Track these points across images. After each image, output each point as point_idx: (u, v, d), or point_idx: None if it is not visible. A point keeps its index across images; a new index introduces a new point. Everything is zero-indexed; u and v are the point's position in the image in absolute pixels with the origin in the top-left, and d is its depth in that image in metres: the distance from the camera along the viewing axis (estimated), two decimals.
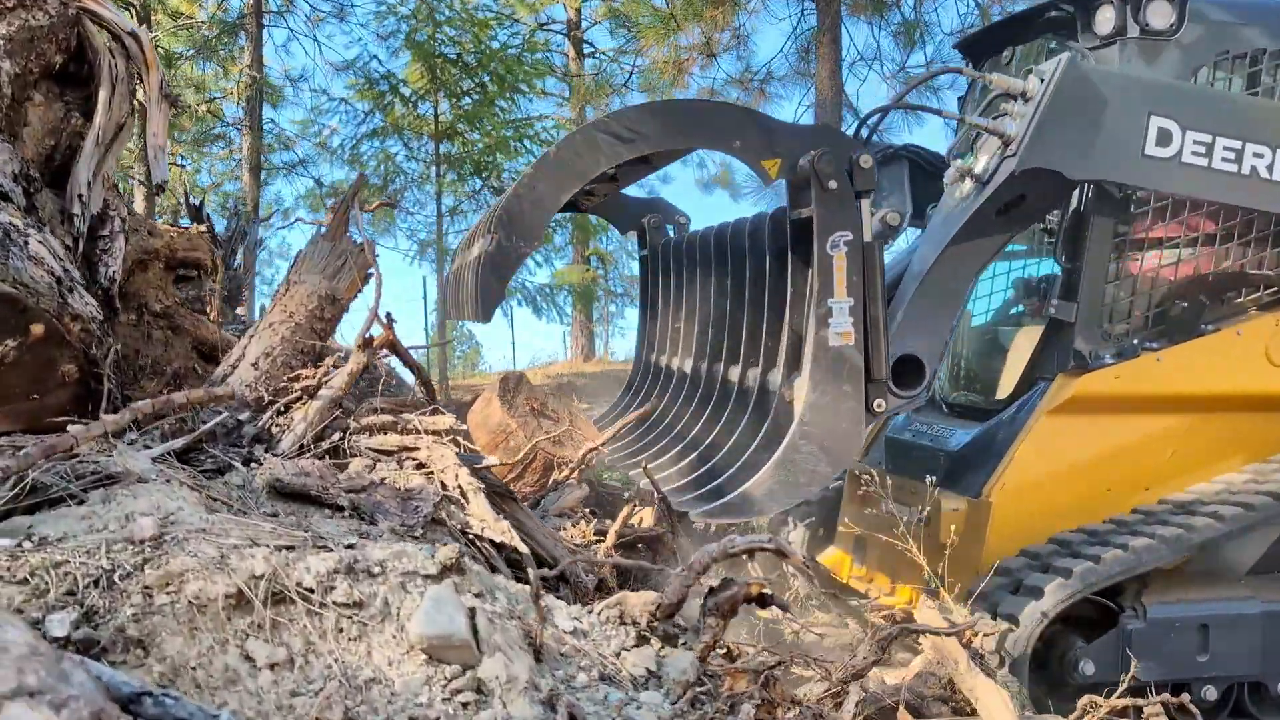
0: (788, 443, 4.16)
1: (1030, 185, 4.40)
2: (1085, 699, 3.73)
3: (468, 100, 18.74)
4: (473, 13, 18.72)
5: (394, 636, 2.23)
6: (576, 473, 5.05)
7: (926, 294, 4.47)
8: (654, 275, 6.33)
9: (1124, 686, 3.86)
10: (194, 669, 2.04)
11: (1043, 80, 4.29)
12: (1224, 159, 4.54)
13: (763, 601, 2.40)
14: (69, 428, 2.61)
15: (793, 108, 18.68)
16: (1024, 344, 5.69)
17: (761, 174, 4.26)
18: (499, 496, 3.82)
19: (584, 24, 22.52)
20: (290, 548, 2.39)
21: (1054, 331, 5.27)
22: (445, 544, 2.79)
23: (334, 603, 2.24)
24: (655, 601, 2.43)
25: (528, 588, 2.56)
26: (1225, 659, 4.74)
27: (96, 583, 2.16)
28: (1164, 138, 4.44)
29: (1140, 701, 3.88)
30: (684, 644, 2.45)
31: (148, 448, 3.09)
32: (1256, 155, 4.58)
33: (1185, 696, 3.74)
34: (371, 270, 3.99)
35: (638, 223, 6.51)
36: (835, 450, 4.20)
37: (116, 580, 2.17)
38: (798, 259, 4.47)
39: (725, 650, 2.48)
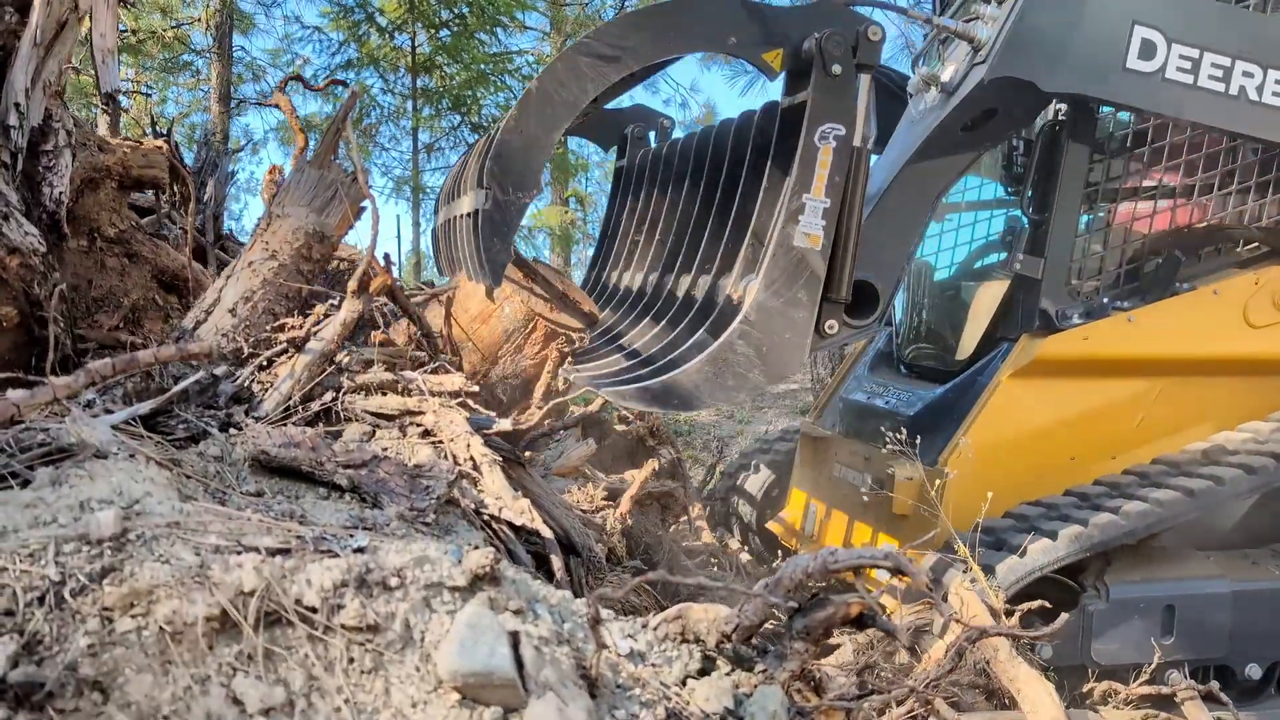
0: (724, 339, 3.72)
1: (1000, 97, 4.00)
2: (1105, 685, 3.46)
3: (446, 32, 17.98)
4: None
5: (417, 669, 1.78)
6: (584, 337, 4.57)
7: (884, 216, 4.04)
8: (624, 189, 5.80)
9: (1147, 675, 3.53)
10: (166, 719, 1.58)
11: None
12: (1211, 76, 4.16)
13: (862, 623, 1.97)
14: (8, 393, 2.12)
15: None
16: (987, 301, 5.30)
17: (764, 69, 3.79)
18: (507, 462, 3.38)
19: None
20: (285, 551, 1.93)
21: (1019, 288, 4.89)
22: (472, 543, 2.35)
23: (342, 626, 1.78)
24: (731, 622, 2.00)
25: (570, 597, 2.11)
26: (1191, 641, 4.42)
27: (42, 599, 1.69)
28: (1148, 50, 4.06)
29: (1161, 689, 3.55)
30: (762, 670, 2.02)
31: (108, 411, 2.60)
32: (1246, 75, 4.21)
33: (1214, 684, 3.45)
34: (366, 203, 3.48)
35: (619, 135, 6.01)
36: (773, 360, 3.75)
37: (68, 597, 1.70)
38: (780, 152, 3.95)
39: (811, 678, 2.05)
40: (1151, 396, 4.87)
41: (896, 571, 1.81)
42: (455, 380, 3.15)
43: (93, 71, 3.57)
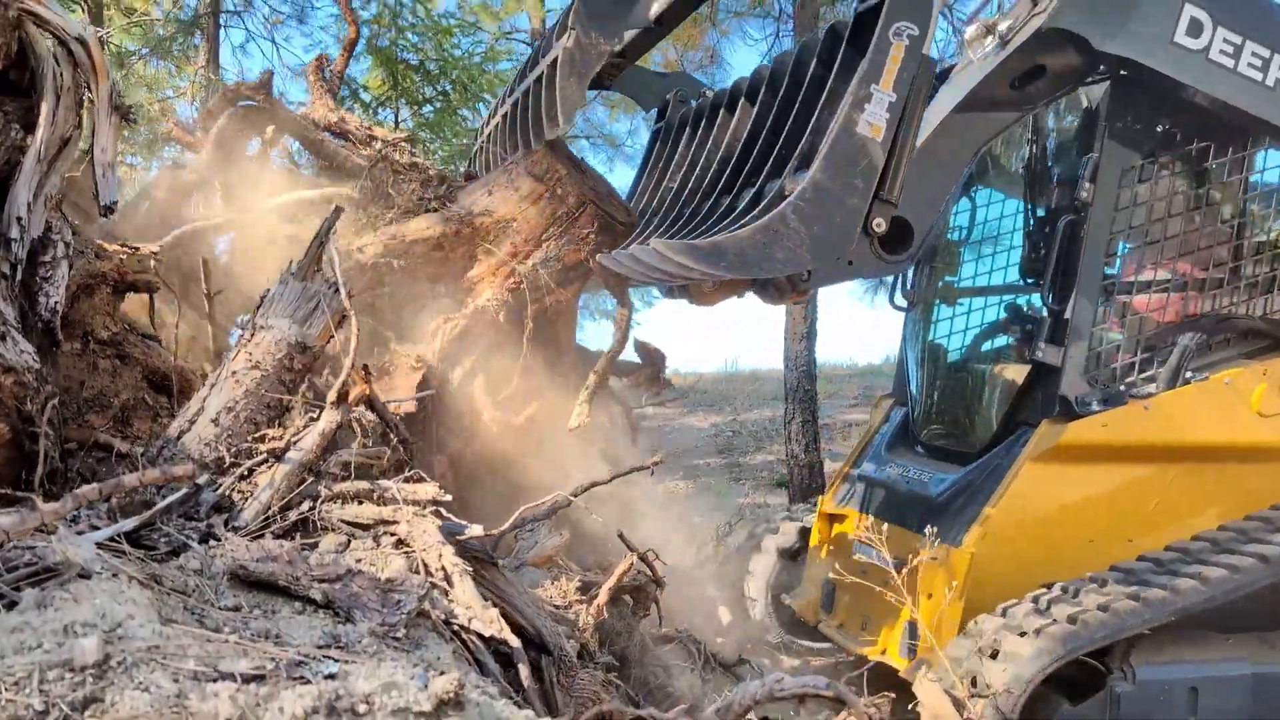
0: (777, 211, 3.77)
1: (1052, 53, 4.23)
2: None
3: (429, 108, 18.32)
4: (436, 20, 18.30)
5: None
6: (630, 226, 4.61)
7: (926, 157, 4.15)
8: (664, 140, 5.83)
9: None
10: None
11: None
12: (1250, 64, 4.44)
13: None
14: None
15: None
16: (1003, 384, 5.49)
17: None
18: (479, 563, 3.48)
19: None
20: (260, 677, 2.03)
21: (1039, 375, 5.10)
22: (441, 658, 2.45)
23: None
24: None
25: (533, 718, 2.22)
26: None
27: None
28: (1195, 28, 4.35)
29: None
30: None
31: (94, 528, 2.71)
32: None
33: None
34: (348, 314, 3.62)
35: (661, 99, 6.09)
36: (821, 242, 3.80)
37: None
38: (849, 53, 4.04)
39: None
40: (1166, 482, 5.04)
41: (838, 702, 1.93)
42: (429, 489, 3.27)
43: (93, 184, 3.72)
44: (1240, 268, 5.21)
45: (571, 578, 4.98)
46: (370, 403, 3.50)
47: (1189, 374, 5.02)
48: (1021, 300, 6.05)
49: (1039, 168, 5.58)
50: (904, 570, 4.75)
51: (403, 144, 6.44)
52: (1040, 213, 5.58)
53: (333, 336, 3.71)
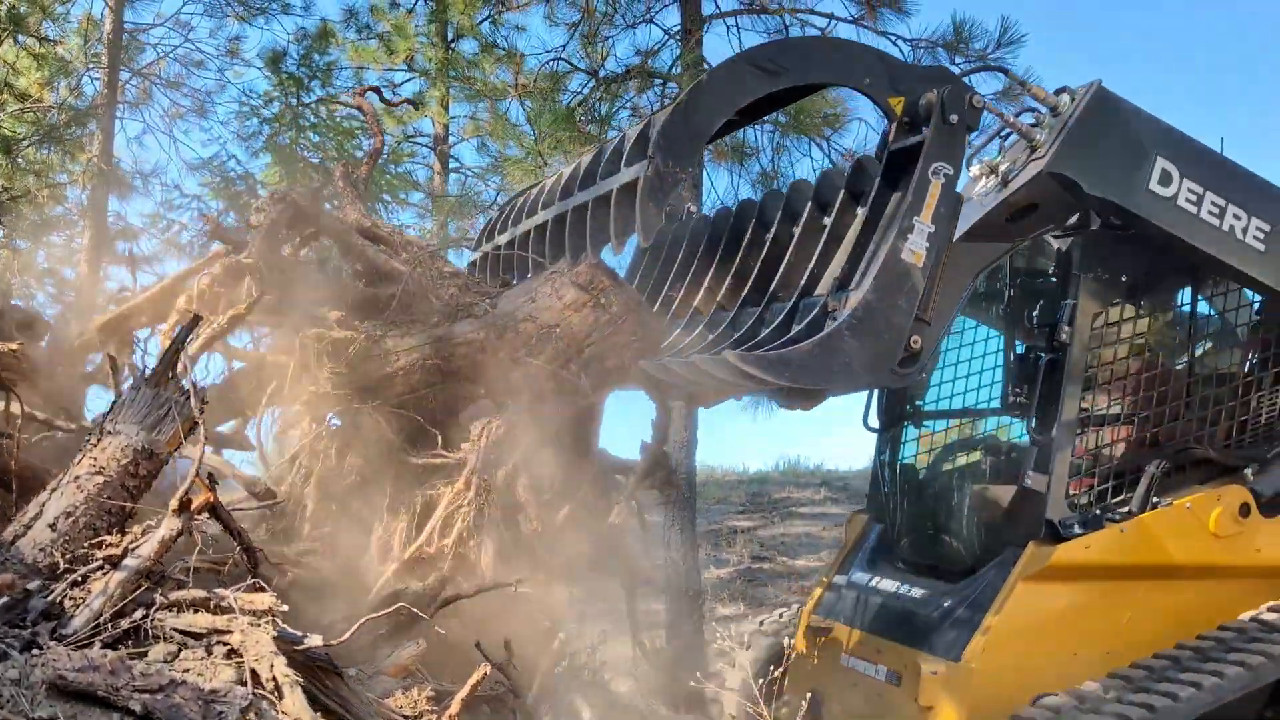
0: (834, 328, 4.21)
1: (1046, 194, 4.79)
2: None
3: (329, 206, 18.38)
4: (338, 121, 18.51)
5: None
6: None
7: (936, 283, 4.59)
8: (653, 256, 6.13)
9: None
10: None
11: (1073, 99, 4.73)
12: (1210, 212, 5.04)
13: None
14: None
15: None
16: (986, 506, 5.88)
17: (886, 110, 4.59)
18: (323, 672, 3.50)
19: (451, 139, 22.51)
20: None
21: (1025, 499, 5.49)
22: None
23: None
24: None
25: None
26: None
27: None
28: (1165, 178, 4.93)
29: None
30: None
31: None
32: (1235, 216, 5.13)
33: None
34: (199, 422, 3.67)
35: None
36: (870, 357, 4.26)
37: None
38: (884, 186, 4.56)
39: None
40: (1137, 598, 5.48)
41: None
42: (265, 599, 3.30)
43: None
44: (1193, 402, 5.78)
45: (424, 687, 4.98)
46: (214, 510, 3.54)
47: (1155, 499, 5.49)
48: (992, 425, 6.59)
49: (1019, 309, 6.14)
50: (899, 684, 5.02)
51: (437, 251, 6.58)
52: (1020, 348, 6.12)
53: (181, 443, 3.75)
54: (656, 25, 14.14)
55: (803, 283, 4.69)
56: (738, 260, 5.31)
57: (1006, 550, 5.46)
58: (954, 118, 4.41)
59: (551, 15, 14.62)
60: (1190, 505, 5.47)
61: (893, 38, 13.51)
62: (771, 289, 4.88)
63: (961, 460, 6.65)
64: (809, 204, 5.04)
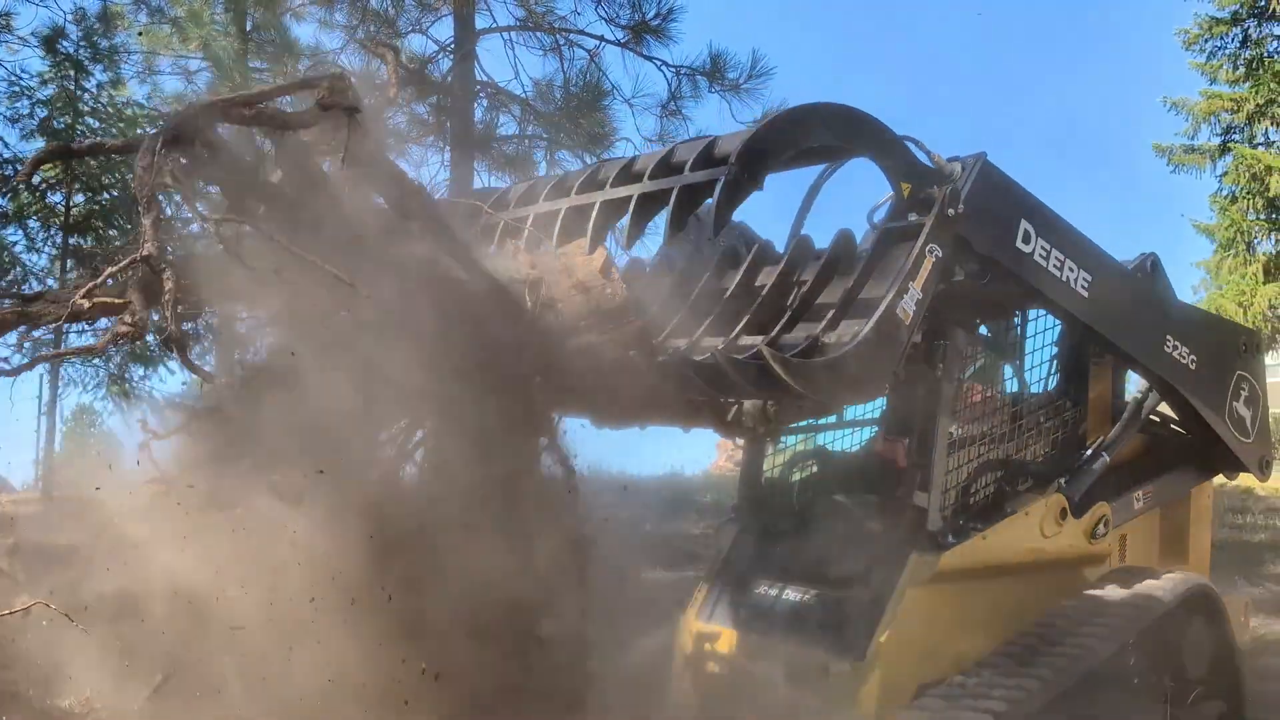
0: (846, 351, 5.03)
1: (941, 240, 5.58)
2: None
3: (108, 195, 17.48)
4: (120, 108, 17.66)
5: None
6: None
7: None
8: (691, 259, 6.63)
9: None
10: None
11: (964, 169, 5.62)
12: (1055, 266, 6.05)
13: None
14: None
15: None
16: (866, 517, 6.52)
17: (896, 190, 5.50)
18: None
19: None
20: None
21: (908, 514, 6.18)
22: None
23: None
24: None
25: None
26: None
27: None
28: (1026, 237, 5.89)
29: None
30: None
31: None
32: (1070, 270, 6.13)
33: None
34: None
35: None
36: (870, 379, 5.28)
37: None
38: (878, 256, 5.52)
39: None
40: (997, 591, 6.39)
41: None
42: None
43: None
44: (1023, 424, 6.87)
45: None
46: None
47: (1007, 509, 6.46)
48: (864, 439, 7.41)
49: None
50: (800, 683, 5.63)
51: None
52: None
53: None
54: (430, 37, 14.64)
55: (807, 313, 5.58)
56: (773, 284, 5.96)
57: (889, 558, 6.17)
58: (951, 211, 5.39)
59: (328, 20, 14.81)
60: (1028, 513, 6.49)
61: (657, 63, 14.65)
62: (788, 315, 5.61)
63: (844, 475, 7.15)
64: (828, 254, 5.84)
